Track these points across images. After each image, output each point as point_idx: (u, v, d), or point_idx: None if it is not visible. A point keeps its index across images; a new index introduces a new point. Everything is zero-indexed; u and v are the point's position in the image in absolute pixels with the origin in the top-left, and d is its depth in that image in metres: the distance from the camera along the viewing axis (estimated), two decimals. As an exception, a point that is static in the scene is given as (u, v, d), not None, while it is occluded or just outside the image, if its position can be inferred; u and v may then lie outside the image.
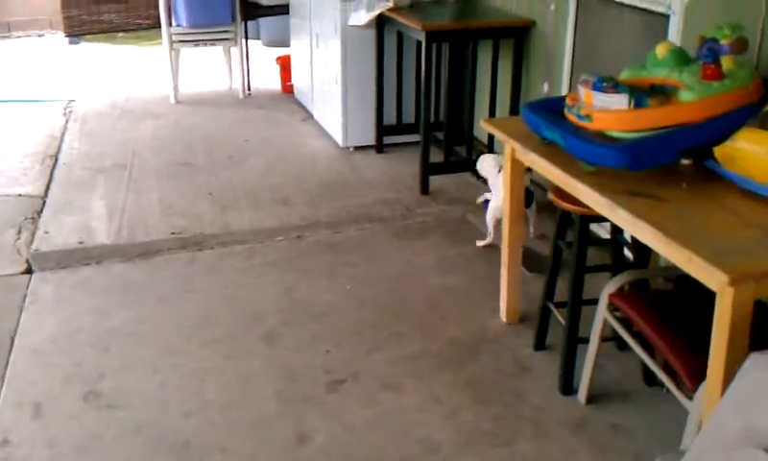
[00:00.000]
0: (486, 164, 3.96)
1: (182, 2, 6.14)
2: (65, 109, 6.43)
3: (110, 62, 8.35)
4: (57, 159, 5.21)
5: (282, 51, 7.06)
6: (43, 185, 4.77)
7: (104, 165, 5.01)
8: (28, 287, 3.61)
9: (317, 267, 3.73)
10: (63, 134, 5.72)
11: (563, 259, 2.88)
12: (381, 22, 4.89)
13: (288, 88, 6.65)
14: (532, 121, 2.69)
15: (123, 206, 4.35)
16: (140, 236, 4.01)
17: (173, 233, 4.03)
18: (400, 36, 5.04)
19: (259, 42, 8.79)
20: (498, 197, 3.60)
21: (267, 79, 7.17)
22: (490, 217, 3.81)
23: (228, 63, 6.88)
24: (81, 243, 3.94)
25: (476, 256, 3.81)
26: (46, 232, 4.05)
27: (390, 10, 4.70)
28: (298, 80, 6.35)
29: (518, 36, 4.33)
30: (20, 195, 4.63)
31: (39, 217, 4.30)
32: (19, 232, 4.15)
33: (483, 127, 3.05)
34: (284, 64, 6.68)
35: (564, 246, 2.81)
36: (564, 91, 4.02)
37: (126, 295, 3.52)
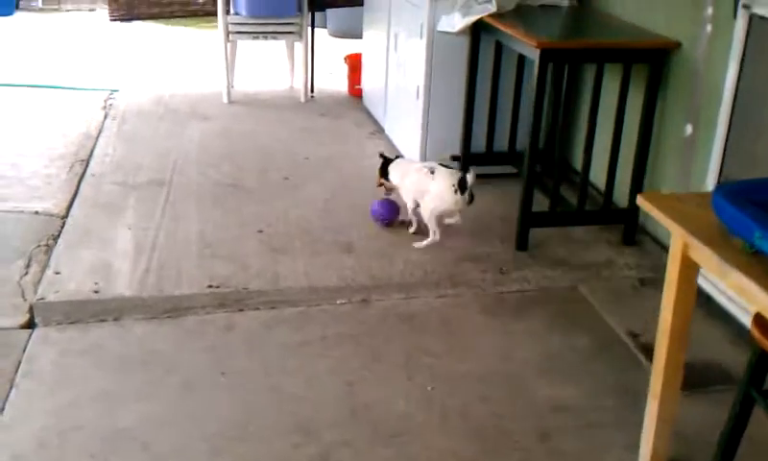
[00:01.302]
0: (400, 171, 3.77)
1: (243, -12, 5.35)
2: (106, 101, 5.70)
3: (162, 45, 7.63)
4: (87, 167, 4.48)
5: (352, 44, 6.23)
6: (66, 201, 4.03)
7: (138, 181, 4.25)
8: (25, 349, 2.86)
9: (388, 352, 2.90)
10: (99, 135, 4.98)
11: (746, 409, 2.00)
12: (478, 29, 4.02)
13: (356, 92, 5.83)
14: (733, 218, 1.81)
15: (153, 242, 3.57)
16: (170, 287, 3.23)
17: (210, 287, 3.23)
18: (499, 47, 4.15)
19: (325, 32, 7.99)
20: (436, 195, 3.56)
21: (333, 76, 6.35)
22: (431, 217, 3.58)
23: (291, 60, 6.07)
24: (96, 291, 3.18)
25: (595, 353, 2.93)
26: (57, 273, 3.29)
27: (490, 15, 3.82)
28: (368, 84, 5.51)
29: (656, 60, 3.41)
30: (37, 212, 3.90)
31: (54, 246, 3.56)
32: (28, 265, 3.42)
33: (641, 205, 2.15)
34: (354, 65, 5.84)
35: (761, 399, 1.93)
36: (719, 141, 3.10)
37: (145, 373, 2.75)
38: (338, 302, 3.20)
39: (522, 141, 4.12)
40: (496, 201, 4.11)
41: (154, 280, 3.25)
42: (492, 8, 3.79)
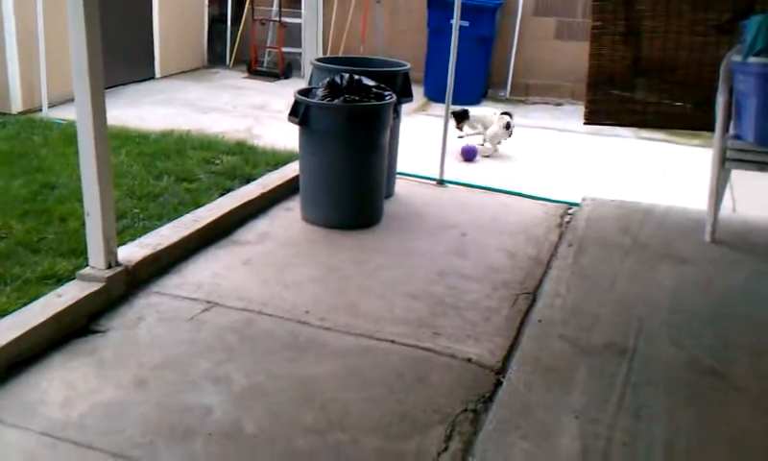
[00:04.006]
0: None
1: (754, 111, 4.21)
2: (562, 218, 5.02)
3: (633, 156, 6.82)
4: (532, 305, 3.78)
5: None
6: (503, 350, 3.36)
7: (593, 341, 3.39)
8: None
9: None
10: (550, 262, 4.28)
11: None
12: None
13: None
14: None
15: (605, 449, 2.66)
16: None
17: None
18: None
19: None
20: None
21: None
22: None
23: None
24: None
25: None
26: (482, 467, 2.57)
27: None
28: None
29: None
30: (470, 360, 3.27)
31: (484, 415, 2.87)
32: (449, 438, 2.77)
33: None
34: None
35: None
36: None
37: None
38: None
39: None
40: None
41: (603, 520, 2.34)
42: None
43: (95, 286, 3.48)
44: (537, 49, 9.04)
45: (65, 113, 6.57)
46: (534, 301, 3.83)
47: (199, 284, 3.79)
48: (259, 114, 7.66)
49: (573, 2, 8.87)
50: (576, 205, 5.20)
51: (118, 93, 7.86)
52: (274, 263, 4.13)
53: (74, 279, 3.56)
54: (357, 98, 4.54)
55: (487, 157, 6.52)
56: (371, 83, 4.66)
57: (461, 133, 6.65)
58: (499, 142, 6.55)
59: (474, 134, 6.69)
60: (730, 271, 4.19)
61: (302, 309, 3.60)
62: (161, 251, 3.92)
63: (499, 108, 7.13)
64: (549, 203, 5.30)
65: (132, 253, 3.81)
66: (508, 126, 6.45)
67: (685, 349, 3.34)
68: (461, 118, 6.59)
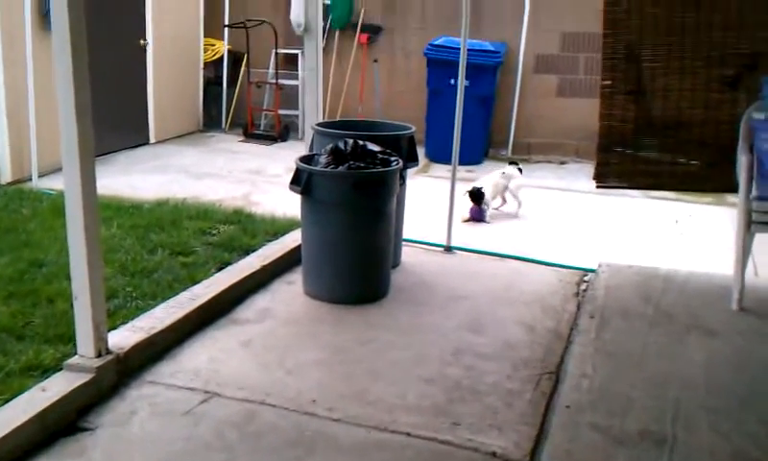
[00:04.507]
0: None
1: (783, 169, 4.03)
2: (579, 285, 4.77)
3: (640, 215, 6.61)
4: (557, 386, 3.50)
5: None
6: (530, 442, 3.06)
7: (626, 430, 3.10)
8: None
9: None
10: (571, 336, 4.02)
11: None
12: None
13: None
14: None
15: None
16: None
17: None
18: None
19: None
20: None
21: None
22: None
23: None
24: None
25: None
26: None
27: None
28: None
29: None
30: (495, 454, 2.97)
31: (513, 521, 2.57)
32: None
33: None
34: None
35: None
36: None
37: None
38: None
39: None
40: None
41: None
42: None
43: (84, 378, 3.20)
44: (538, 107, 8.89)
45: (56, 183, 6.31)
46: (557, 381, 3.55)
47: (196, 371, 3.51)
48: (256, 179, 7.45)
49: (575, 59, 8.76)
50: (592, 271, 4.96)
51: (111, 160, 7.65)
52: (275, 345, 3.86)
53: (61, 369, 3.28)
54: (362, 164, 4.32)
55: (514, 217, 6.58)
56: (376, 148, 4.44)
57: (467, 217, 6.35)
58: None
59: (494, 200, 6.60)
60: (760, 343, 3.93)
61: (308, 398, 3.31)
62: (155, 335, 3.64)
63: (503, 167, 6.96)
64: (563, 269, 5.05)
65: (123, 338, 3.54)
66: (521, 170, 6.83)
67: (728, 437, 3.06)
68: (478, 199, 6.33)
